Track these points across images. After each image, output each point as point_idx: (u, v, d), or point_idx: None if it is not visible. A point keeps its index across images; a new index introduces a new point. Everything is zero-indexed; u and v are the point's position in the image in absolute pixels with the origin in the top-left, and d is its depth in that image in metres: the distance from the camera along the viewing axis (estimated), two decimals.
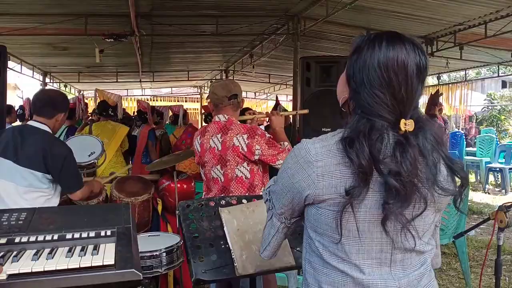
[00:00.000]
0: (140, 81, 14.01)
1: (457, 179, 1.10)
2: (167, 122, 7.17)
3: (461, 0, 5.42)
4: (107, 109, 4.82)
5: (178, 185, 3.29)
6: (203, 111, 7.28)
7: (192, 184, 3.57)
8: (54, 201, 2.50)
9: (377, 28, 6.86)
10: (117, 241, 1.27)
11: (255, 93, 17.81)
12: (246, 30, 7.55)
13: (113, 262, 1.14)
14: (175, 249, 2.55)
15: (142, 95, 17.03)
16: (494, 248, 5.32)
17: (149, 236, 2.78)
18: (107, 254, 1.18)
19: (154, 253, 2.43)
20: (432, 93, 8.04)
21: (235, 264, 1.55)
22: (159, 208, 3.37)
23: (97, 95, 5.87)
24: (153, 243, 2.57)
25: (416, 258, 1.11)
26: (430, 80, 11.92)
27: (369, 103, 1.02)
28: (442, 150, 1.06)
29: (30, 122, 2.47)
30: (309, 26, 6.94)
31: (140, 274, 1.09)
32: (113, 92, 7.05)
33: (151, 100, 16.63)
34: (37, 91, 2.65)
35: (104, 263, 1.13)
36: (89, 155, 3.84)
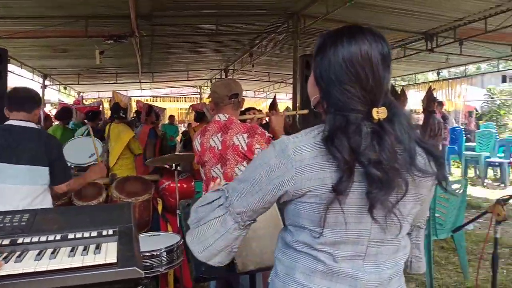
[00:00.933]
0: (140, 82, 14.04)
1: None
2: (164, 122, 7.30)
3: None
4: (119, 111, 4.90)
5: (179, 185, 3.31)
6: (191, 109, 7.32)
7: (192, 183, 3.60)
8: (49, 198, 2.52)
9: (378, 25, 6.86)
10: (118, 240, 1.30)
11: (254, 92, 17.82)
12: (245, 29, 7.57)
13: (115, 261, 1.17)
14: (175, 248, 2.57)
15: (141, 96, 17.03)
16: (490, 240, 5.36)
17: (149, 236, 2.80)
18: (109, 253, 1.20)
19: (155, 253, 2.45)
20: (428, 90, 8.07)
21: (235, 261, 1.57)
22: (159, 208, 3.40)
23: (114, 97, 6.01)
24: (153, 242, 2.60)
25: (391, 256, 1.11)
26: (430, 76, 11.94)
27: (340, 100, 1.04)
28: (415, 133, 1.07)
29: (13, 122, 2.44)
30: (309, 24, 6.95)
31: (142, 272, 1.11)
32: (123, 94, 7.18)
33: (150, 101, 16.68)
34: (11, 89, 2.56)
35: (107, 262, 1.15)
36: (90, 157, 3.88)
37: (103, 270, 1.13)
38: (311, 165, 1.02)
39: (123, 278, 1.11)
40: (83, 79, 12.73)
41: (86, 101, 10.60)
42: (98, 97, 16.13)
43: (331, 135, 1.01)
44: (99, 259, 1.17)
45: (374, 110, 1.02)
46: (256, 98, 18.16)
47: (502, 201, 2.00)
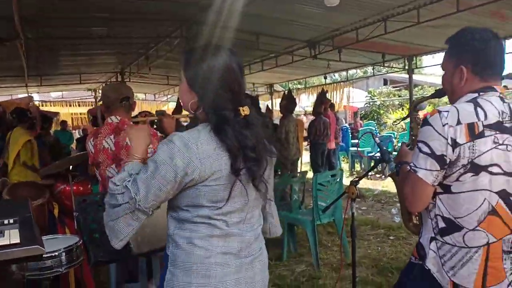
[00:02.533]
0: (26, 86, 13.02)
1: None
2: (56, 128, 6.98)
3: (334, 9, 6.11)
4: (26, 114, 4.64)
5: (75, 188, 3.34)
6: (89, 114, 7.24)
7: (89, 186, 3.63)
8: None
9: (268, 33, 7.39)
10: (20, 227, 1.44)
11: (154, 95, 17.57)
12: (139, 33, 7.57)
13: (19, 241, 1.33)
14: (75, 248, 2.62)
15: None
16: (370, 223, 6.10)
17: (47, 239, 2.80)
18: (12, 236, 1.37)
19: (54, 253, 2.49)
20: (319, 93, 8.88)
21: (130, 245, 1.77)
22: (56, 211, 3.39)
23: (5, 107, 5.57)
24: (52, 244, 2.62)
25: (257, 217, 1.49)
26: (323, 80, 13.00)
27: (215, 101, 1.34)
28: (262, 127, 1.44)
29: None
30: (203, 32, 7.17)
31: (44, 249, 1.28)
32: (18, 97, 6.65)
33: (39, 105, 15.53)
34: None
35: (11, 242, 1.32)
36: None
37: (9, 249, 1.29)
38: (212, 155, 1.29)
39: (27, 255, 1.27)
40: None
41: None
42: None
43: (218, 129, 1.30)
44: (3, 241, 1.32)
45: (241, 109, 1.34)
46: (157, 102, 17.93)
47: (354, 183, 2.48)
